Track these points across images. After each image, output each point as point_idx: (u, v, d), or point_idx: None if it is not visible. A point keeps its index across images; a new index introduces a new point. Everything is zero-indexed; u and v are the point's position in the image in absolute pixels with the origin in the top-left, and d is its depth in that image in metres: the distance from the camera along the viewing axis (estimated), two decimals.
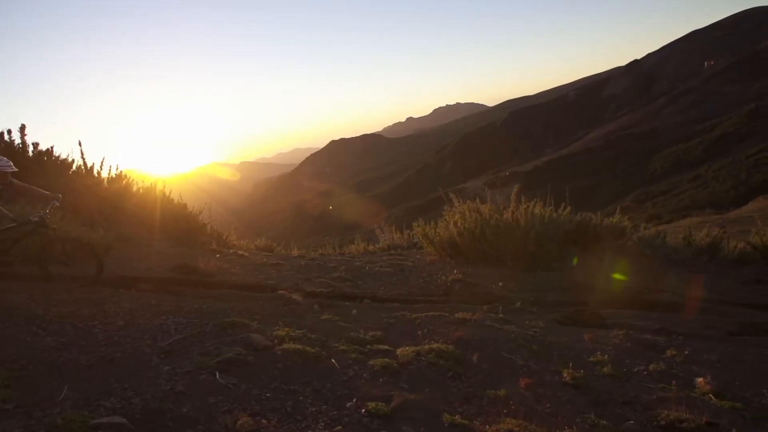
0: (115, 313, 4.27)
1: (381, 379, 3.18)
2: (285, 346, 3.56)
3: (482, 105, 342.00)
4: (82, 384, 2.87)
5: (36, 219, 4.84)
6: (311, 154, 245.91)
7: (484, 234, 7.63)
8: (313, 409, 2.69)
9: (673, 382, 3.47)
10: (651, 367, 3.73)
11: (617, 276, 6.95)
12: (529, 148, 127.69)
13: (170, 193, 9.74)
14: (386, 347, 3.76)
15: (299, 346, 3.55)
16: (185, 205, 9.95)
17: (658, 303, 5.93)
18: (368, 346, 3.76)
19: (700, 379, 3.48)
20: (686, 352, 4.09)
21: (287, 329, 4.03)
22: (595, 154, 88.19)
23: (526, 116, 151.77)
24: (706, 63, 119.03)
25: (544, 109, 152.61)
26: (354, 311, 4.92)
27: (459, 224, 7.91)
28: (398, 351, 3.61)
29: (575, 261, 7.77)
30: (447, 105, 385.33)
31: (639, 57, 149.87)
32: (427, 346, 3.75)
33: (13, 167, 4.81)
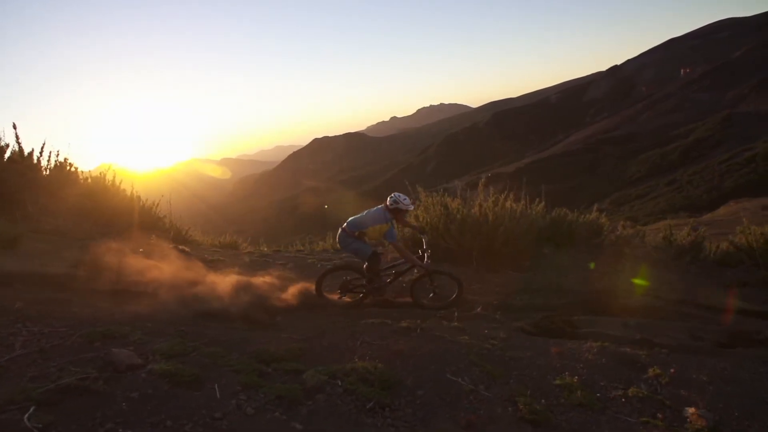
0: None
1: (269, 415, 2.32)
2: (155, 366, 2.68)
3: (466, 106, 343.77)
4: None
5: (428, 261, 5.05)
6: (294, 152, 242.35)
7: (448, 229, 6.84)
8: None
9: (659, 414, 2.72)
10: (631, 391, 2.97)
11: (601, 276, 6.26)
12: (512, 150, 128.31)
13: (131, 186, 8.69)
14: (297, 366, 2.91)
15: (175, 366, 2.67)
16: (139, 197, 9.02)
17: (639, 308, 5.23)
18: (273, 365, 2.90)
19: (691, 410, 2.74)
20: (672, 371, 3.35)
21: (177, 341, 3.15)
22: (575, 157, 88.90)
23: (509, 118, 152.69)
24: (682, 70, 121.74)
25: (527, 112, 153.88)
26: (279, 317, 4.05)
27: (421, 218, 7.10)
28: (307, 373, 2.75)
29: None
30: (431, 105, 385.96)
31: (619, 62, 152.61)
32: (349, 365, 2.91)
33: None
